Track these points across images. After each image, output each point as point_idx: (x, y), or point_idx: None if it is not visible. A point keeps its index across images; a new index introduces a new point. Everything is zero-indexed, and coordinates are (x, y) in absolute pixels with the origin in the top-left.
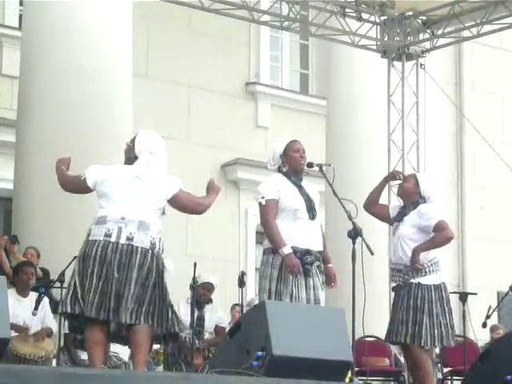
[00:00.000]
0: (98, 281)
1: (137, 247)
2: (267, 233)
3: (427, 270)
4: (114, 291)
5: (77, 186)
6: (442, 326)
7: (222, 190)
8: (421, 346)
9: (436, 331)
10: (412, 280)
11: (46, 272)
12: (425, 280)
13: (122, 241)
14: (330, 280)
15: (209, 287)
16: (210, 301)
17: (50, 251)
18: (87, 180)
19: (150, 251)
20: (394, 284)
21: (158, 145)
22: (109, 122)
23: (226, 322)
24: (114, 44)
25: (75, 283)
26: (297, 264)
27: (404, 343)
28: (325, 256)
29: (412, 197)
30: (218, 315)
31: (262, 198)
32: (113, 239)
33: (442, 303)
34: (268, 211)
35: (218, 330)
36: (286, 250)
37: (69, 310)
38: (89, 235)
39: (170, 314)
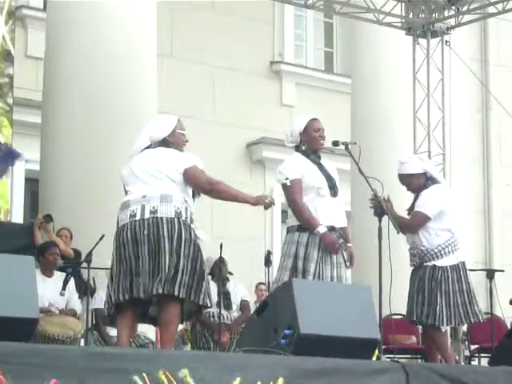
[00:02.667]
0: (133, 262)
1: (161, 218)
2: (297, 214)
3: (442, 252)
4: (147, 267)
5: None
6: (460, 305)
7: (247, 169)
8: (436, 325)
9: (452, 310)
10: (427, 263)
11: (77, 253)
12: (440, 262)
13: (146, 216)
14: (349, 259)
15: (218, 263)
16: (230, 274)
17: (77, 232)
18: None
19: (176, 219)
20: (412, 267)
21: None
22: (133, 102)
23: (248, 296)
24: (138, 24)
25: (115, 271)
26: (336, 240)
27: (421, 323)
28: (345, 235)
29: (417, 181)
30: (240, 290)
31: (287, 178)
32: (137, 217)
33: (460, 282)
34: (295, 191)
35: (243, 304)
36: (322, 229)
37: (120, 299)
38: (118, 223)
39: (203, 286)
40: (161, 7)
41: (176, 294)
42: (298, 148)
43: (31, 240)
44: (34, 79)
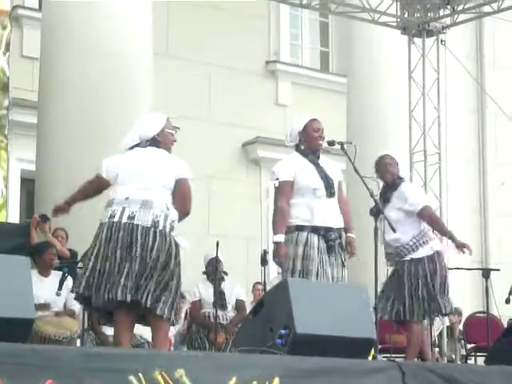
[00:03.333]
0: (103, 261)
1: (137, 225)
2: (273, 214)
3: (417, 243)
4: (117, 270)
5: (96, 185)
6: (429, 299)
7: (243, 169)
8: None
9: (422, 305)
10: (405, 258)
11: (73, 253)
12: (417, 254)
13: (124, 220)
14: (348, 248)
15: (212, 263)
16: (225, 273)
17: (73, 232)
18: (103, 174)
19: (152, 229)
20: (390, 267)
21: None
22: (129, 102)
23: (244, 296)
24: (134, 23)
25: (85, 266)
26: (284, 255)
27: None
28: (347, 225)
29: (396, 171)
30: (236, 290)
31: (276, 179)
32: (116, 219)
33: (435, 274)
34: (280, 194)
35: (238, 304)
36: (277, 239)
37: (80, 291)
38: (101, 219)
39: (169, 298)
40: (156, 6)
41: (143, 302)
42: (297, 147)
43: (27, 240)
44: (30, 79)
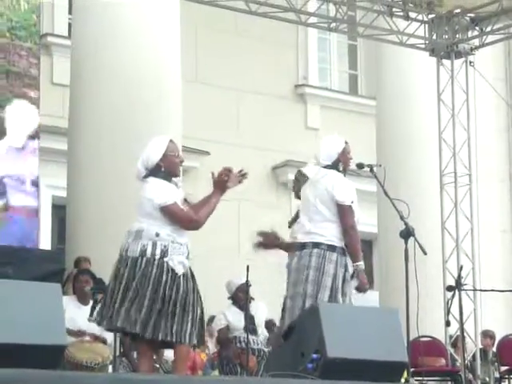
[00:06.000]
0: (115, 293)
1: (128, 257)
2: (352, 240)
3: None
4: (118, 301)
5: None
6: None
7: (273, 192)
8: None
9: None
10: None
11: (100, 280)
12: None
13: (123, 253)
14: None
15: (243, 288)
16: (251, 299)
17: (104, 258)
18: None
19: (140, 259)
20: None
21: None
22: (159, 128)
23: (266, 311)
24: (162, 49)
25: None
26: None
27: None
28: None
29: None
30: (260, 310)
31: (352, 202)
32: (123, 253)
33: None
34: (354, 216)
35: (270, 324)
36: (363, 266)
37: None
38: None
39: (168, 323)
40: (184, 32)
41: (138, 331)
42: (332, 167)
43: (59, 266)
44: (60, 106)
